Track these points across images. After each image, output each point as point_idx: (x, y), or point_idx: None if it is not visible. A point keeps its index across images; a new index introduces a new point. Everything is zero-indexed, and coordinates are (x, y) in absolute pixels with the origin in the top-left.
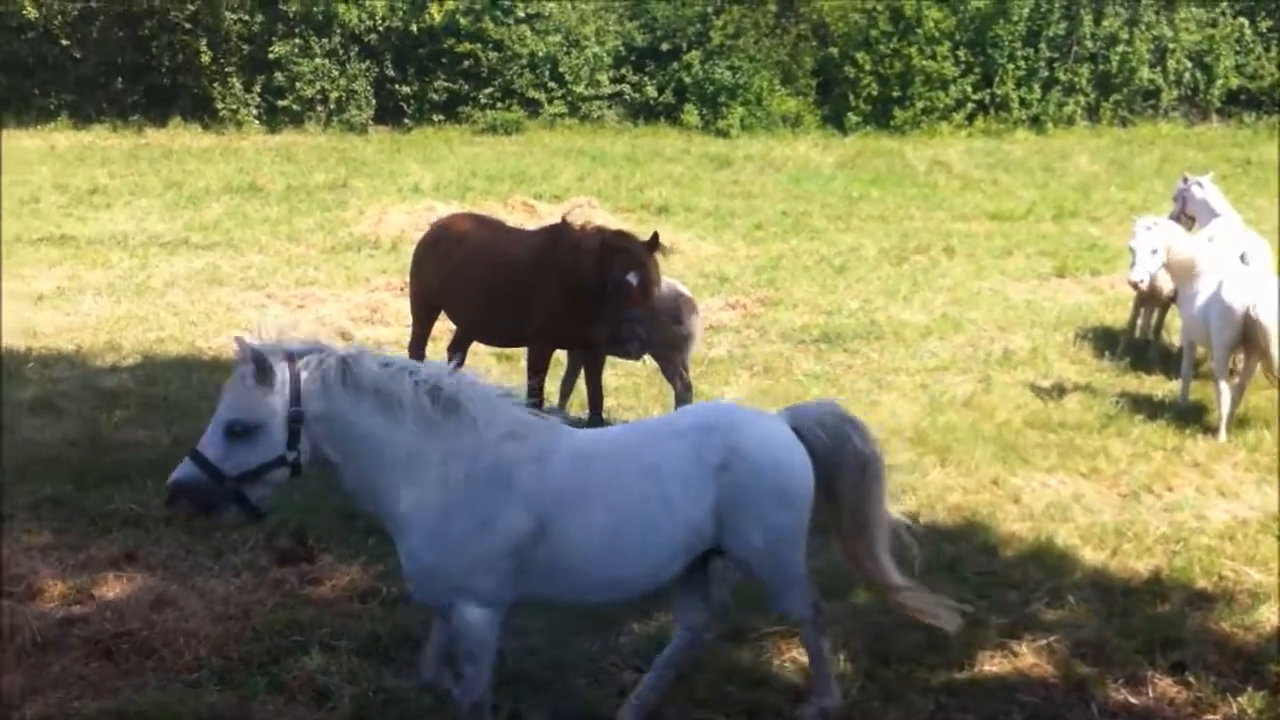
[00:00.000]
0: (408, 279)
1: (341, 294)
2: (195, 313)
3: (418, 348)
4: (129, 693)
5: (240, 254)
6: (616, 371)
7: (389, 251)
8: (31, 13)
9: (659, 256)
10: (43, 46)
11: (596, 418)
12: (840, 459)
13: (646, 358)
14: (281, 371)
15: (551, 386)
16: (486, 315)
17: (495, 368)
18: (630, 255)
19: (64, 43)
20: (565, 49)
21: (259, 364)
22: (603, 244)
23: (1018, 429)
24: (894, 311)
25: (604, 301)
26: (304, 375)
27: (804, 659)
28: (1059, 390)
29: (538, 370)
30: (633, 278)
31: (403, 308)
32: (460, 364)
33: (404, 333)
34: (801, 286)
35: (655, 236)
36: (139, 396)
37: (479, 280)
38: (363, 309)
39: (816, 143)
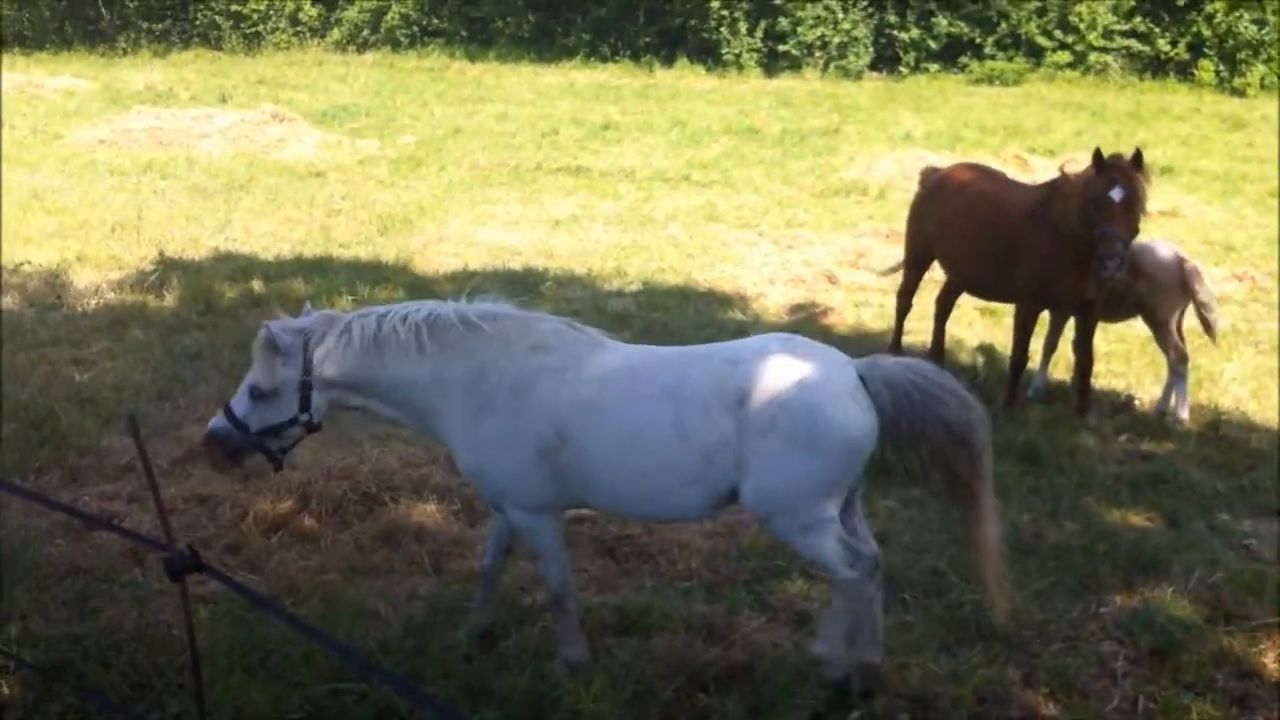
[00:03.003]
0: (902, 226)
1: (829, 237)
2: (693, 246)
3: (906, 295)
4: (628, 591)
5: (736, 193)
6: (1108, 337)
7: (877, 198)
8: None
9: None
10: None
11: (1084, 383)
12: (912, 421)
13: (1139, 323)
14: (295, 345)
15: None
16: (977, 267)
17: (978, 321)
18: (1116, 170)
19: None
20: None
21: (272, 338)
22: (1094, 160)
23: None
24: None
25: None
26: (315, 349)
27: None
28: None
29: (1023, 328)
30: (1116, 193)
31: (888, 255)
32: (944, 317)
33: (889, 279)
34: None
35: (1137, 153)
36: (641, 321)
37: (973, 231)
38: (849, 253)
39: None
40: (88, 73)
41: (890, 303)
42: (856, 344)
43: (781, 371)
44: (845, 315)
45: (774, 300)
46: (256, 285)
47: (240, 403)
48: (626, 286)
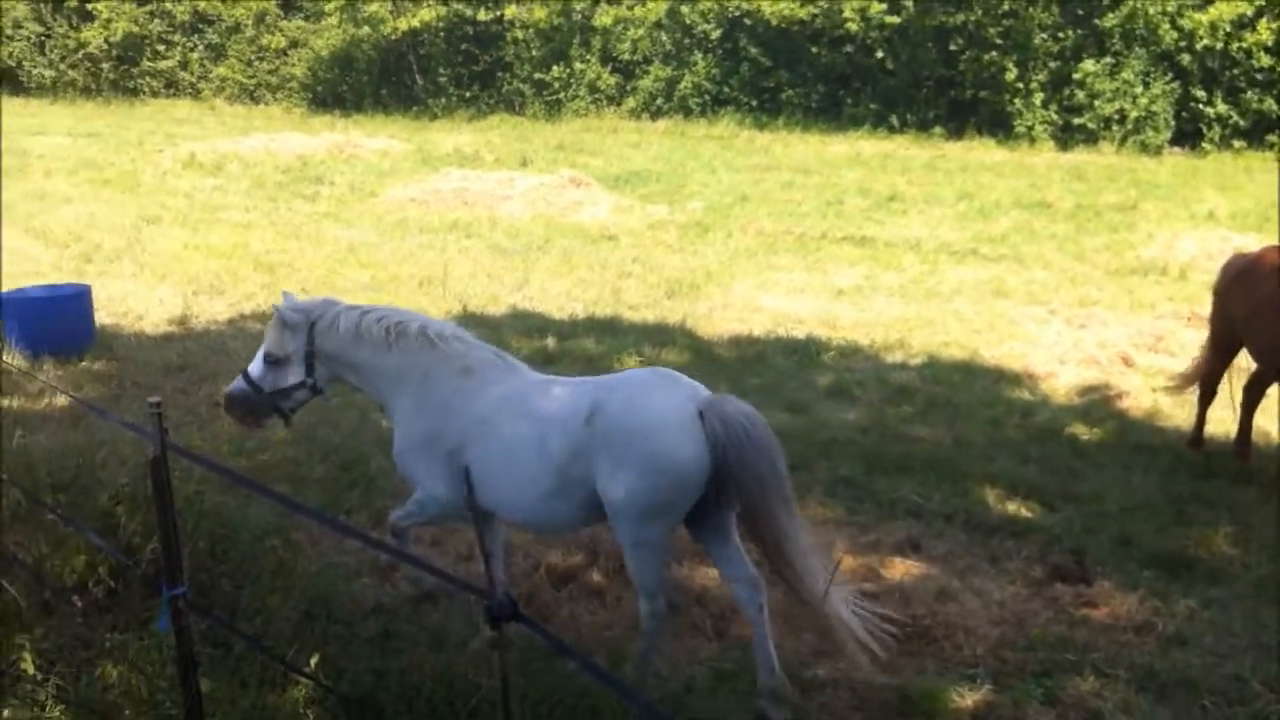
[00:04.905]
0: (1205, 308)
1: (1125, 317)
2: (979, 321)
3: (1210, 382)
4: (910, 673)
5: (1025, 268)
6: None
7: (1178, 279)
8: (854, 27)
9: None
10: (859, 58)
11: None
12: (737, 463)
13: None
14: (302, 322)
15: None
16: None
17: None
18: None
19: (879, 55)
20: None
21: (282, 316)
22: None
23: None
24: None
25: None
26: (317, 325)
27: None
28: None
29: None
30: None
31: (1190, 339)
32: (1252, 407)
33: (1187, 363)
34: None
35: None
36: (924, 395)
37: None
38: (1146, 336)
39: None
40: (402, 134)
41: (1192, 390)
42: (1152, 431)
43: (627, 395)
44: (1141, 400)
45: (1064, 380)
46: (550, 343)
47: (256, 367)
48: (910, 359)
